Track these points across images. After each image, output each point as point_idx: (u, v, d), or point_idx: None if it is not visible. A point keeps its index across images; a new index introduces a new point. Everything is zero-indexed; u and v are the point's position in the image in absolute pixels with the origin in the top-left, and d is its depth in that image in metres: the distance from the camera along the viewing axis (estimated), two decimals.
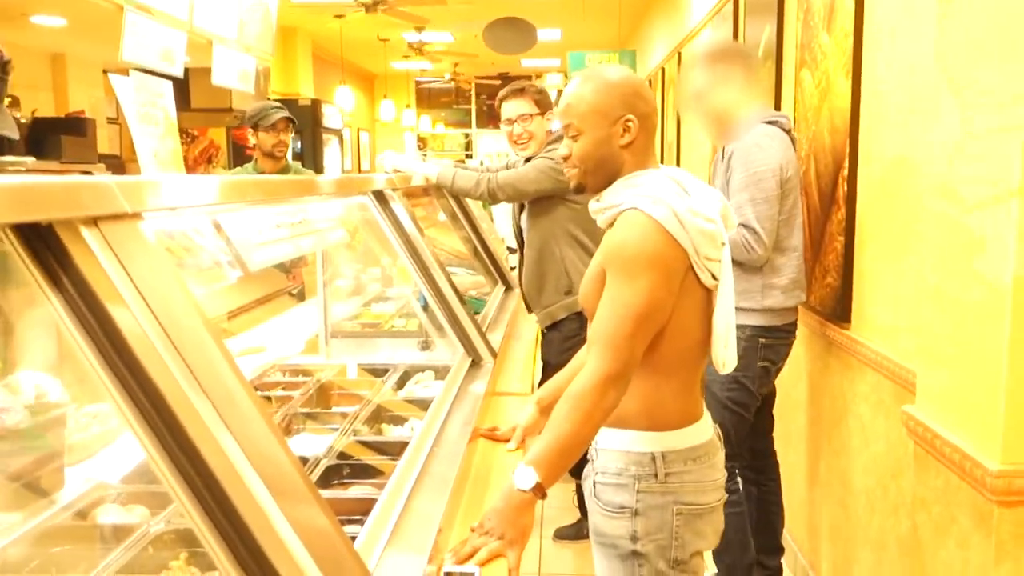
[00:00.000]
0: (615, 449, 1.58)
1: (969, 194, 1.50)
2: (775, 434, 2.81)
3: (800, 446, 2.97)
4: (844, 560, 2.53)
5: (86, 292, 0.87)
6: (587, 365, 1.45)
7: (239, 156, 6.81)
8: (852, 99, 2.40)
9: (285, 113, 3.90)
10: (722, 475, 1.62)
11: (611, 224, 1.55)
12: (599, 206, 1.58)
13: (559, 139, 2.92)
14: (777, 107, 3.24)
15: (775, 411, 2.79)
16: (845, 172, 2.44)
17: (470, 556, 1.31)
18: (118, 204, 0.94)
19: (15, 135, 1.61)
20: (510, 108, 3.04)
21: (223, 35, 4.40)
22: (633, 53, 8.58)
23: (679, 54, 6.04)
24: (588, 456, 1.66)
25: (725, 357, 1.58)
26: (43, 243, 0.86)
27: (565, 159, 1.60)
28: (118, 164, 6.13)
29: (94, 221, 0.89)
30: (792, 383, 3.06)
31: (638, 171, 1.56)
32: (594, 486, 1.61)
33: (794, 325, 2.55)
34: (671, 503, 1.54)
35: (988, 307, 1.43)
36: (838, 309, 2.51)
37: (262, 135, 3.86)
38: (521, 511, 1.37)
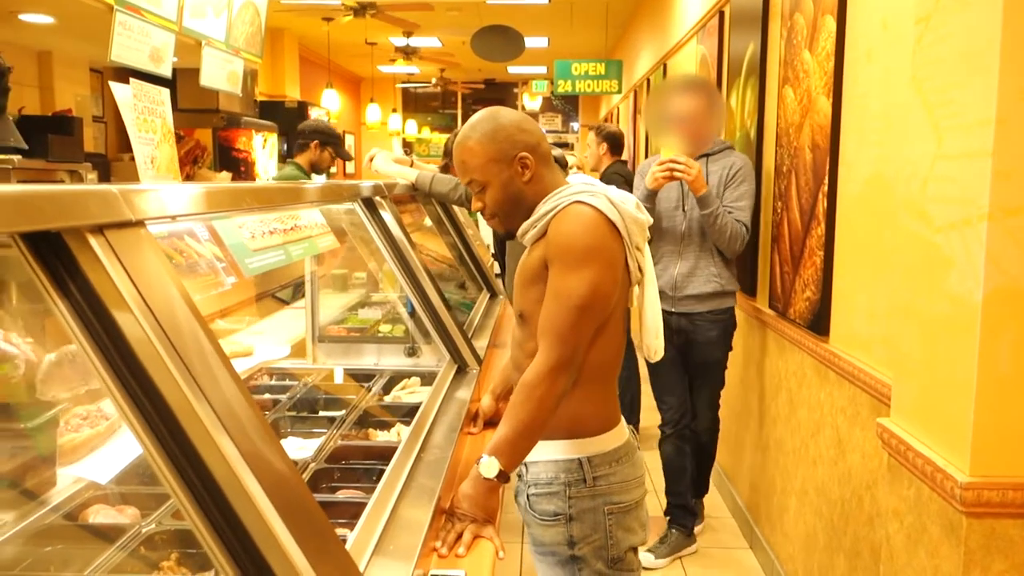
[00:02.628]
0: (544, 460, 1.65)
1: (939, 214, 1.56)
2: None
3: (779, 457, 3.02)
4: (820, 568, 2.58)
5: (92, 298, 0.89)
6: (537, 355, 1.54)
7: (225, 157, 6.81)
8: (832, 117, 2.46)
9: None
10: (642, 472, 1.71)
11: (537, 240, 1.60)
12: (528, 223, 1.61)
13: None
14: (760, 122, 3.30)
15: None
16: (825, 188, 2.49)
17: (456, 540, 1.48)
18: (123, 212, 0.96)
19: (23, 145, 1.63)
20: None
21: (213, 36, 4.41)
22: (620, 63, 8.66)
23: (664, 65, 6.11)
24: (517, 472, 1.73)
25: (656, 346, 1.69)
26: (51, 250, 0.89)
27: (481, 212, 1.66)
28: (104, 163, 6.11)
29: (100, 229, 0.92)
30: (772, 395, 3.11)
31: (553, 191, 1.61)
32: (528, 499, 1.68)
33: None
34: (602, 504, 1.62)
35: (958, 324, 1.48)
36: (817, 322, 2.56)
37: (324, 153, 4.18)
38: (488, 496, 1.52)
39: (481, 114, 1.64)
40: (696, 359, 3.20)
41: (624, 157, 4.75)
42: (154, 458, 0.91)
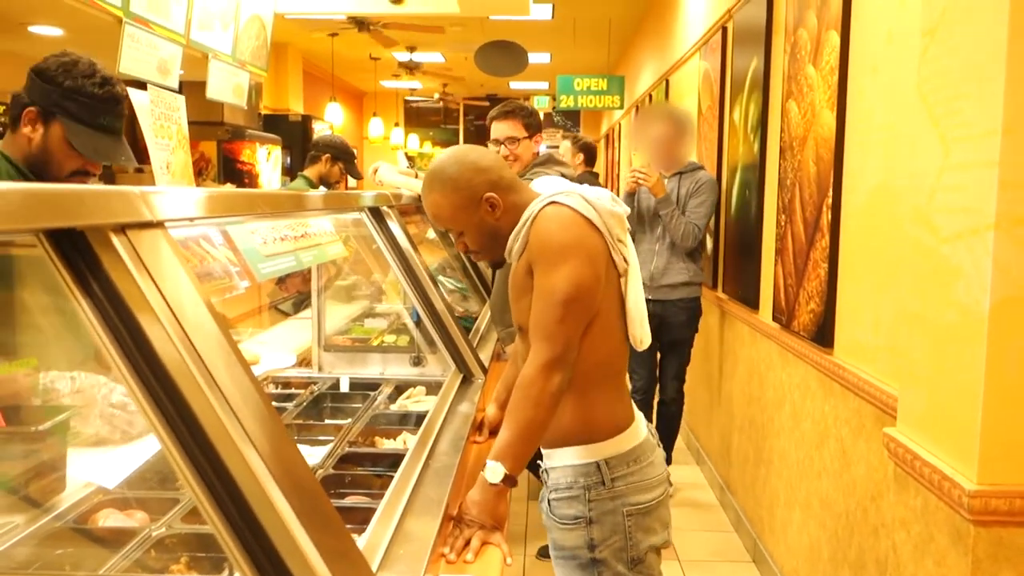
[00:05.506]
0: (562, 465, 1.66)
1: (946, 224, 1.57)
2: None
3: (783, 470, 3.02)
4: None
5: (114, 296, 0.90)
6: (530, 355, 1.55)
7: (229, 170, 6.84)
8: (836, 130, 2.48)
9: None
10: (662, 471, 1.71)
11: (522, 252, 1.61)
12: (511, 240, 1.63)
13: (544, 162, 3.00)
14: (763, 136, 3.32)
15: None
16: (829, 200, 2.51)
17: (465, 546, 1.47)
18: (143, 213, 0.97)
19: (133, 163, 1.68)
20: (499, 129, 3.07)
21: (219, 49, 4.45)
22: (622, 79, 8.71)
23: (667, 81, 6.15)
24: (542, 479, 1.75)
25: (642, 335, 1.70)
26: (74, 248, 0.90)
27: (467, 253, 1.71)
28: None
29: (122, 229, 0.93)
30: (776, 407, 3.12)
31: (527, 208, 1.62)
32: (548, 504, 1.69)
33: None
34: (620, 506, 1.63)
35: (965, 332, 1.49)
36: (821, 334, 2.57)
37: (334, 168, 4.29)
38: (496, 502, 1.52)
39: (436, 164, 1.65)
40: (667, 339, 3.89)
41: (596, 169, 5.12)
42: (173, 456, 0.92)
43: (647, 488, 1.66)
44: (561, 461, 1.65)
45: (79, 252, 0.90)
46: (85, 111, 1.74)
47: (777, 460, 3.08)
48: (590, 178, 4.72)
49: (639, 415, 1.74)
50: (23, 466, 1.38)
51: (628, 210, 1.70)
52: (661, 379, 4.03)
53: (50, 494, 1.40)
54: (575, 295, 1.53)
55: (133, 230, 0.95)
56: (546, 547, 3.43)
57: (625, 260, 1.66)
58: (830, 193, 2.51)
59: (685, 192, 3.80)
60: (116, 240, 0.92)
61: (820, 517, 2.61)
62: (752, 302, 3.40)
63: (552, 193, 1.61)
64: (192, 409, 0.92)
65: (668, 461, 3.78)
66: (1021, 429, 1.44)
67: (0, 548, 1.25)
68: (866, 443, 2.25)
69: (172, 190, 1.08)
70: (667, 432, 3.99)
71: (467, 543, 1.48)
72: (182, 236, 1.32)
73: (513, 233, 1.62)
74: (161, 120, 1.42)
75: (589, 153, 5.05)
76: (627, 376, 4.75)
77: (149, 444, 1.53)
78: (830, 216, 2.51)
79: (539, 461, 1.74)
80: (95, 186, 0.94)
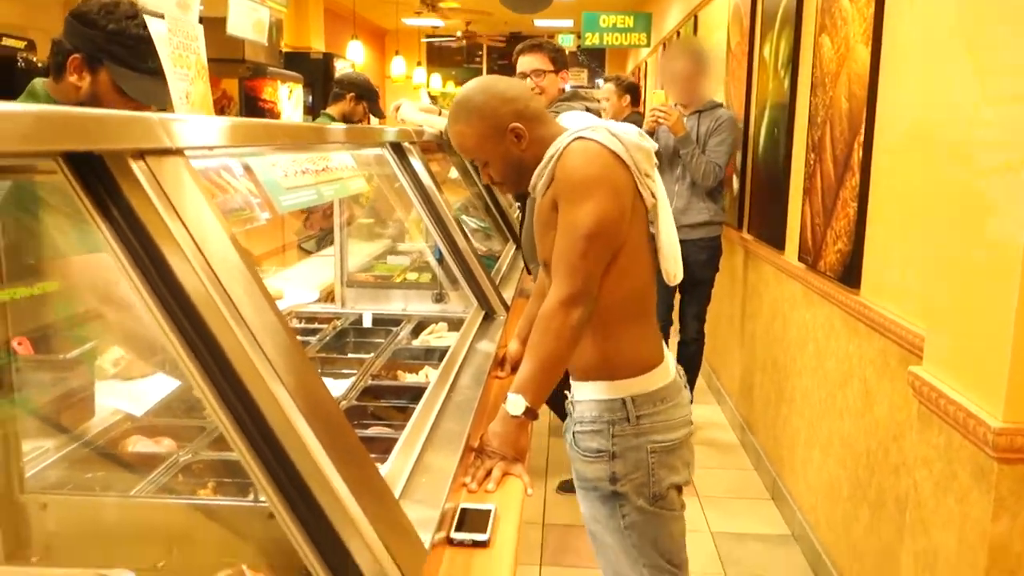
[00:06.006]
0: (587, 399, 1.66)
1: (982, 159, 1.52)
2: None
3: (805, 409, 3.02)
4: (843, 518, 2.59)
5: (134, 222, 0.90)
6: (551, 290, 1.55)
7: (251, 107, 6.79)
8: (871, 65, 2.40)
9: None
10: (688, 412, 1.72)
11: (547, 187, 1.59)
12: (536, 174, 1.61)
13: (570, 98, 2.96)
14: (794, 73, 3.24)
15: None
16: (861, 138, 2.45)
17: (486, 477, 1.49)
18: (162, 139, 0.96)
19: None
20: (525, 62, 3.04)
21: None
22: (649, 15, 8.50)
23: (695, 17, 5.99)
24: (567, 411, 1.76)
25: (675, 270, 1.70)
26: (93, 173, 0.90)
27: (493, 184, 1.70)
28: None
29: (141, 154, 0.92)
30: (799, 346, 3.10)
31: (553, 143, 1.60)
32: (573, 436, 1.70)
33: None
34: (645, 443, 1.63)
35: (998, 269, 1.46)
36: (848, 274, 2.54)
37: (358, 107, 4.26)
38: (518, 433, 1.54)
39: (463, 93, 1.63)
40: (687, 278, 4.07)
41: (639, 109, 5.10)
42: (199, 386, 0.92)
43: (672, 428, 1.66)
44: (587, 395, 1.66)
45: (98, 177, 0.90)
46: (132, 55, 1.70)
47: (799, 399, 3.08)
48: (637, 118, 4.64)
49: (669, 355, 1.73)
50: (52, 393, 1.41)
51: (655, 145, 1.67)
52: (681, 319, 4.02)
53: (79, 421, 1.43)
54: (597, 230, 1.52)
55: (152, 156, 0.94)
56: (567, 481, 3.49)
57: (653, 195, 1.64)
58: (862, 130, 2.44)
59: (705, 131, 3.77)
60: (135, 166, 0.91)
61: (840, 456, 2.62)
62: (778, 242, 3.36)
63: (579, 128, 1.58)
64: (215, 336, 0.92)
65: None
66: None
67: (32, 471, 1.29)
68: (890, 383, 2.24)
69: (192, 117, 1.07)
70: (688, 372, 4.02)
71: (488, 473, 1.50)
72: (202, 167, 1.31)
73: (539, 168, 1.61)
74: (180, 50, 1.40)
75: (635, 93, 4.96)
76: None
77: (174, 374, 1.56)
78: (861, 154, 2.45)
79: (566, 391, 1.75)
80: (113, 111, 0.93)
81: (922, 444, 1.75)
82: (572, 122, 1.68)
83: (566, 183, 1.55)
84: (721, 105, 3.93)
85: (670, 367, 1.71)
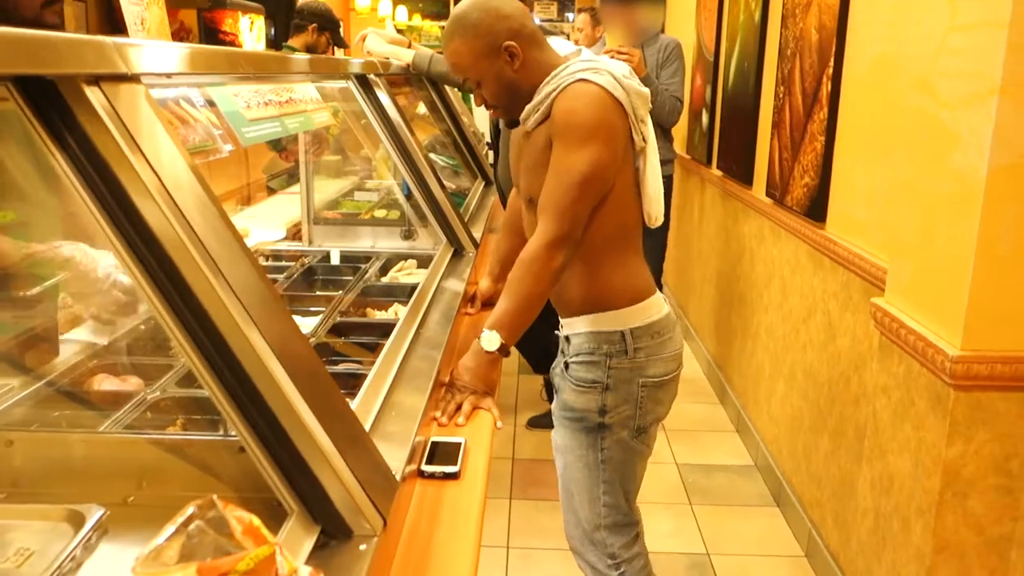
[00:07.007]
0: (586, 331, 1.67)
1: (948, 89, 1.53)
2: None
3: (769, 343, 3.08)
4: (804, 448, 2.67)
5: (90, 150, 0.87)
6: (537, 231, 1.55)
7: (211, 40, 6.58)
8: None
9: None
10: (680, 346, 1.74)
11: (540, 123, 1.58)
12: (531, 106, 1.60)
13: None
14: (765, 4, 3.20)
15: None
16: (830, 71, 2.44)
17: (456, 411, 1.50)
18: (117, 64, 0.93)
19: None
20: None
21: None
22: None
23: None
24: (560, 347, 1.76)
25: (657, 213, 1.69)
26: (46, 100, 0.86)
27: (484, 105, 1.65)
28: None
29: (96, 80, 0.89)
30: (765, 282, 3.14)
31: (552, 72, 1.58)
32: (566, 367, 1.71)
33: None
34: (637, 376, 1.66)
35: (959, 201, 1.48)
36: (814, 209, 2.56)
37: (321, 38, 4.18)
38: (489, 369, 1.56)
39: (458, 10, 1.59)
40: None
41: None
42: (166, 321, 0.91)
43: (665, 361, 1.68)
44: (583, 327, 1.67)
45: (52, 104, 0.86)
46: None
47: (764, 334, 3.13)
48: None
49: (660, 293, 1.75)
50: (13, 331, 1.38)
51: (648, 90, 1.65)
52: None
53: (43, 360, 1.41)
54: (592, 177, 1.52)
55: (108, 82, 0.91)
56: (536, 417, 3.54)
57: (644, 139, 1.63)
58: (831, 63, 2.43)
59: (654, 63, 3.49)
60: (89, 92, 0.87)
61: (803, 388, 2.68)
62: (746, 178, 3.37)
63: (582, 67, 1.55)
64: (181, 272, 0.91)
65: None
66: (1007, 297, 1.46)
67: None
68: (852, 315, 2.28)
69: (148, 43, 1.03)
70: None
71: (458, 407, 1.52)
72: (161, 96, 1.28)
73: (534, 101, 1.58)
74: None
75: None
76: None
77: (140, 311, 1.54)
78: (830, 87, 2.44)
79: (558, 331, 1.76)
80: (65, 34, 0.89)
81: (882, 373, 1.79)
82: (560, 48, 1.66)
83: (565, 126, 1.53)
84: (662, 31, 3.71)
85: (662, 301, 1.72)
